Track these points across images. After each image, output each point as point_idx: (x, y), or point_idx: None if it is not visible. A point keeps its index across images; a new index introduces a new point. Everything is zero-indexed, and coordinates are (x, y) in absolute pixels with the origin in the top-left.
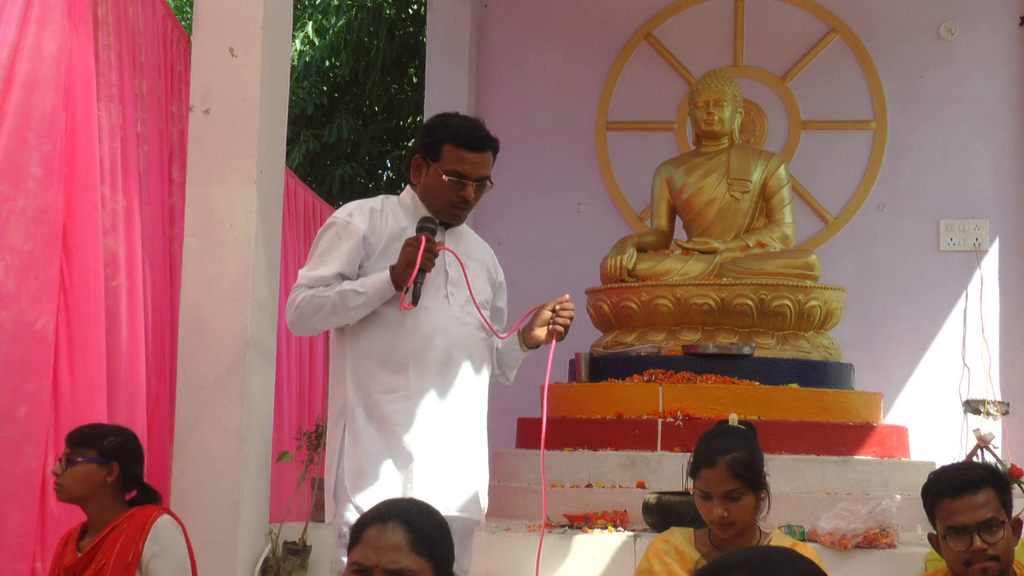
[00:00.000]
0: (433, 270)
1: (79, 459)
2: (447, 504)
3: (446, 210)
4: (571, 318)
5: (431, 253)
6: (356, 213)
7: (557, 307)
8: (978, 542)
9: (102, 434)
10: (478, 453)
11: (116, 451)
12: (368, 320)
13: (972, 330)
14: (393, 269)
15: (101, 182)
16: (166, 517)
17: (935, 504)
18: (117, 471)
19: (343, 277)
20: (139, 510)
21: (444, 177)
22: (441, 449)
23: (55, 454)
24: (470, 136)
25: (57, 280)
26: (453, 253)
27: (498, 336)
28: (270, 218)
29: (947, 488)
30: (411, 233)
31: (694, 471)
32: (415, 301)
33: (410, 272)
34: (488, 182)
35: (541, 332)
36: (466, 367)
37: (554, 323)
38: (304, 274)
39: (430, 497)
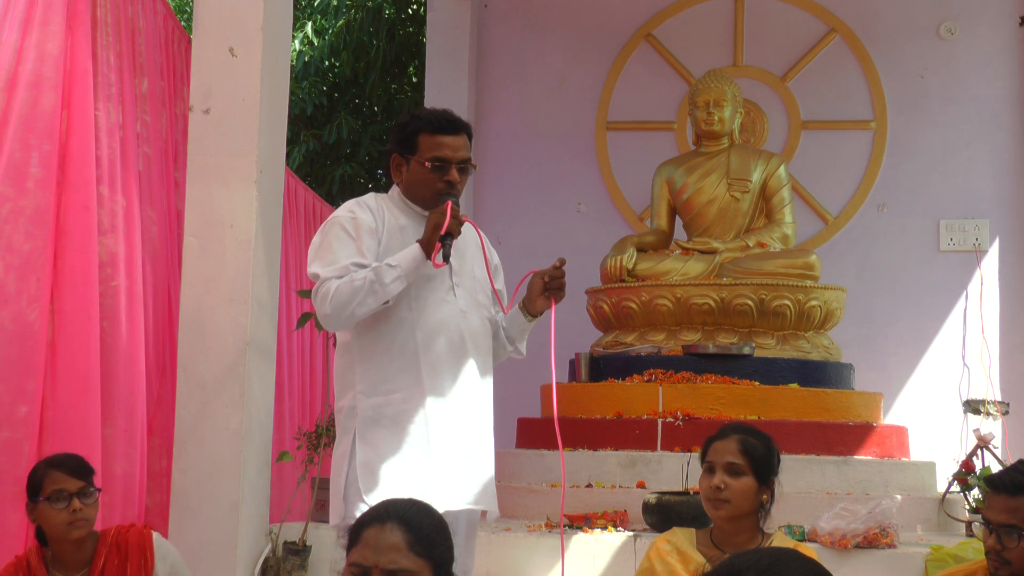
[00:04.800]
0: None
1: (95, 489)
2: (464, 497)
3: (434, 199)
4: (564, 276)
5: (456, 220)
6: (357, 209)
7: (547, 277)
8: (992, 541)
9: (87, 461)
10: (488, 445)
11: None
12: (375, 319)
13: (972, 330)
14: (420, 240)
15: (99, 182)
16: (156, 534)
17: (989, 491)
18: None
19: (361, 266)
20: (118, 533)
21: (427, 164)
22: (455, 444)
23: (44, 455)
24: (443, 120)
25: (56, 279)
26: (472, 224)
27: (504, 311)
28: (270, 218)
29: (994, 482)
30: (411, 230)
31: (705, 448)
32: (446, 259)
33: (437, 234)
34: (470, 165)
35: (541, 299)
36: (474, 361)
37: (549, 287)
38: (323, 268)
39: (448, 492)
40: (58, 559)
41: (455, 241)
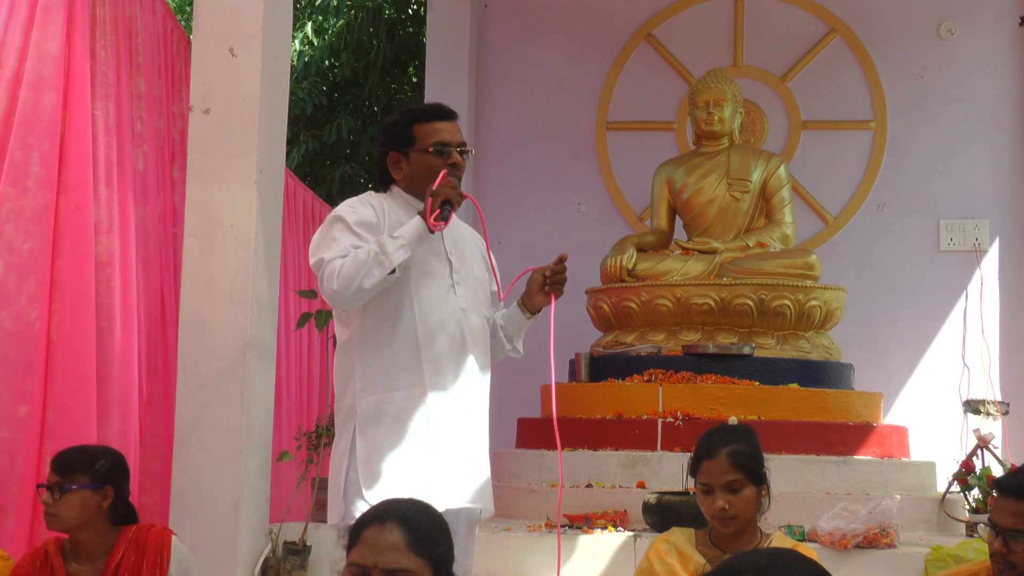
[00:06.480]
0: (437, 262)
1: (72, 486)
2: (464, 495)
3: None
4: (565, 271)
5: (455, 190)
6: (358, 205)
7: (548, 272)
8: (998, 544)
9: (92, 458)
10: (485, 444)
11: (109, 474)
12: (376, 316)
13: (972, 330)
14: (420, 212)
15: (97, 181)
16: (175, 538)
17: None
18: (112, 495)
19: None
20: (139, 531)
21: (429, 150)
22: (456, 442)
23: (44, 454)
24: (435, 108)
25: (54, 279)
26: (471, 198)
27: (500, 298)
28: (270, 218)
29: (1002, 485)
30: None
31: (695, 466)
32: (444, 221)
33: (437, 202)
34: (467, 150)
35: (541, 295)
36: (474, 359)
37: (550, 283)
38: (327, 254)
39: (449, 490)
40: (75, 550)
41: (456, 235)
